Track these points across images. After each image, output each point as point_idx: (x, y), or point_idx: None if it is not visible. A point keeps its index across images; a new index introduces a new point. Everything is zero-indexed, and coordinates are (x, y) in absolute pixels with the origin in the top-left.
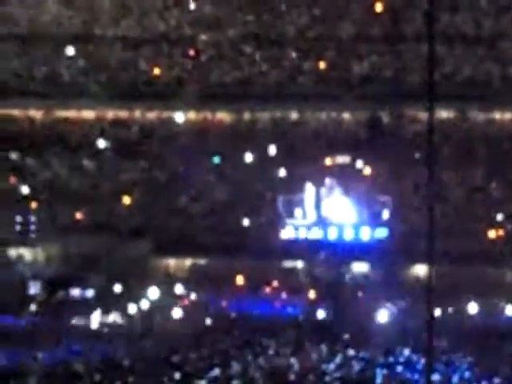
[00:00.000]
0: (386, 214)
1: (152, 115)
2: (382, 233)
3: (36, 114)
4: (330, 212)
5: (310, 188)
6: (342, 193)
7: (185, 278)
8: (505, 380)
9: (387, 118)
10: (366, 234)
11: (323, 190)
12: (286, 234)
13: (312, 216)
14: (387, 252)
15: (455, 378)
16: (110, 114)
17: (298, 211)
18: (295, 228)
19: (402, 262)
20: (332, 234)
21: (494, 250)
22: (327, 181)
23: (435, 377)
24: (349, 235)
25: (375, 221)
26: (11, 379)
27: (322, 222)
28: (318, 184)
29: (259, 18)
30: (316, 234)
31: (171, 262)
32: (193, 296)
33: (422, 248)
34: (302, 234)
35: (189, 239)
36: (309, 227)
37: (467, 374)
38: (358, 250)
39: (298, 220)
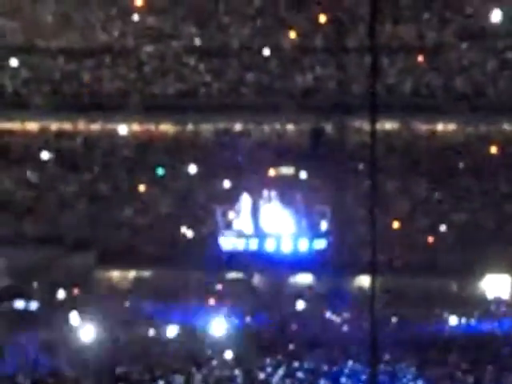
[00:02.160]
0: (324, 225)
1: (96, 127)
2: (320, 244)
3: None
4: (268, 223)
5: (246, 199)
6: (282, 204)
7: (129, 289)
8: None
9: (330, 129)
10: (304, 245)
11: (261, 201)
12: (226, 245)
13: (249, 227)
14: (329, 263)
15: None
16: (54, 125)
17: (236, 222)
18: (236, 240)
19: (345, 272)
20: (270, 246)
21: (438, 260)
22: (265, 192)
23: None
24: (287, 246)
25: (315, 232)
26: None
27: (260, 234)
28: (258, 195)
29: (202, 30)
30: (254, 245)
31: (115, 274)
32: (136, 307)
33: (366, 259)
34: (241, 246)
35: (133, 251)
36: (247, 238)
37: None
38: (299, 261)
39: (236, 231)
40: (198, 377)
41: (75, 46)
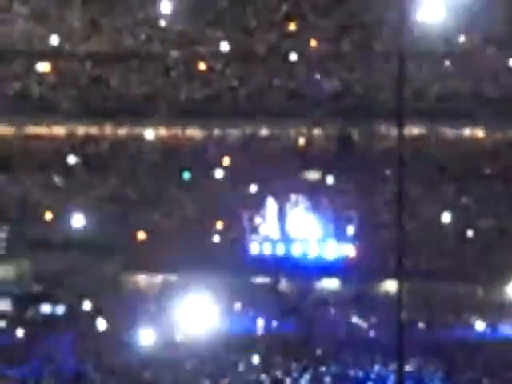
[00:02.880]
0: (351, 230)
1: (122, 131)
2: (347, 249)
3: (7, 130)
4: (295, 228)
5: (272, 203)
6: (309, 209)
7: (156, 294)
8: None
9: (357, 135)
10: (330, 250)
11: (288, 206)
12: (253, 250)
13: (276, 232)
14: (356, 268)
15: None
16: (81, 130)
17: (262, 227)
18: (263, 244)
19: (372, 277)
20: (296, 250)
21: (464, 265)
22: (292, 196)
23: None
24: (314, 251)
25: (341, 237)
26: None
27: (286, 238)
28: (285, 199)
29: (229, 34)
30: (281, 249)
31: (142, 279)
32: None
33: (392, 264)
34: (268, 250)
35: (159, 255)
36: (274, 243)
37: None
38: (325, 266)
39: (262, 236)
40: (224, 381)
41: (102, 50)
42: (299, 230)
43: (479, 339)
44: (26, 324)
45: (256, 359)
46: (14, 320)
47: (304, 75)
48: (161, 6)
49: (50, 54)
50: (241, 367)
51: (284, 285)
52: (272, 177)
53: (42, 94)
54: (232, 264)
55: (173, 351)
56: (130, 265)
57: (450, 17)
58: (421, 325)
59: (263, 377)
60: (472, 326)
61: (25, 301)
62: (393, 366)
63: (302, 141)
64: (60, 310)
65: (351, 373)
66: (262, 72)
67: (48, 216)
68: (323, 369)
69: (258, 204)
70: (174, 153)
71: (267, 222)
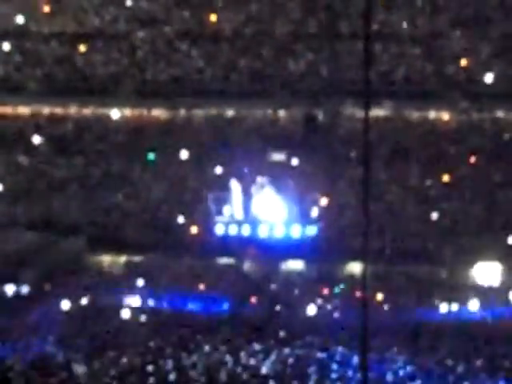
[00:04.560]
0: (315, 212)
1: (88, 111)
2: (312, 230)
3: None
4: (260, 209)
5: (237, 185)
6: (274, 190)
7: (120, 275)
8: (439, 378)
9: (323, 116)
10: (295, 232)
11: (253, 188)
12: (218, 231)
13: (241, 213)
14: (320, 249)
15: (389, 376)
16: (46, 110)
17: (226, 208)
18: (226, 225)
19: (336, 259)
20: (263, 232)
21: (429, 247)
22: (257, 178)
23: (370, 374)
24: (279, 233)
25: (306, 218)
26: None
27: (252, 220)
28: (250, 181)
29: (195, 15)
30: (247, 231)
31: (106, 259)
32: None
33: (357, 246)
34: (233, 232)
35: (124, 236)
36: (239, 224)
37: (401, 372)
38: (290, 248)
39: (227, 217)
40: (187, 362)
41: (67, 30)
42: (264, 211)
43: (443, 321)
44: None
45: (220, 340)
46: None
47: (269, 56)
48: None
49: (15, 34)
50: (205, 348)
51: (248, 266)
52: (237, 158)
53: (7, 74)
54: (196, 245)
55: (137, 332)
56: (93, 245)
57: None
58: (385, 307)
59: (227, 358)
60: (436, 308)
61: None
62: (356, 348)
63: (267, 122)
64: (24, 289)
65: (315, 354)
66: (228, 53)
67: (12, 195)
68: (287, 350)
69: (223, 185)
70: (140, 133)
71: (232, 203)
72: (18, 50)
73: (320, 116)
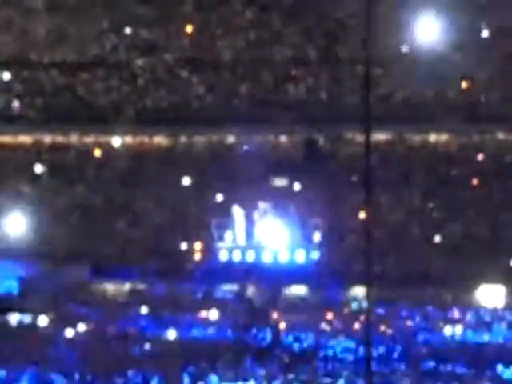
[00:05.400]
0: (318, 237)
1: (89, 139)
2: (314, 256)
3: None
4: (263, 235)
5: (239, 211)
6: (276, 216)
7: (124, 302)
8: None
9: (324, 141)
10: (297, 257)
11: (256, 214)
12: (221, 257)
13: (242, 240)
14: (323, 274)
15: None
16: (47, 138)
17: (229, 235)
18: (229, 252)
19: (339, 283)
20: (266, 258)
21: (432, 270)
22: (259, 204)
23: None
24: (283, 258)
25: (309, 244)
26: None
27: (255, 246)
28: (252, 207)
29: (195, 42)
30: (250, 257)
31: (110, 287)
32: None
33: (360, 270)
34: (236, 258)
35: (127, 264)
36: (242, 250)
37: None
38: (292, 273)
39: (230, 244)
40: None
41: (68, 59)
42: (267, 237)
43: (447, 344)
44: None
45: (225, 367)
46: None
47: (270, 82)
48: (126, 13)
49: (15, 63)
50: (210, 375)
51: (251, 291)
52: (239, 184)
53: (7, 103)
54: (200, 272)
55: (140, 361)
56: (97, 273)
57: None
58: (389, 330)
59: None
60: (440, 331)
61: None
62: (361, 373)
63: (268, 148)
64: (27, 319)
65: (320, 380)
66: (228, 80)
67: (15, 224)
68: (291, 376)
69: (225, 212)
70: (141, 160)
71: (235, 229)
72: (18, 78)
73: (321, 141)
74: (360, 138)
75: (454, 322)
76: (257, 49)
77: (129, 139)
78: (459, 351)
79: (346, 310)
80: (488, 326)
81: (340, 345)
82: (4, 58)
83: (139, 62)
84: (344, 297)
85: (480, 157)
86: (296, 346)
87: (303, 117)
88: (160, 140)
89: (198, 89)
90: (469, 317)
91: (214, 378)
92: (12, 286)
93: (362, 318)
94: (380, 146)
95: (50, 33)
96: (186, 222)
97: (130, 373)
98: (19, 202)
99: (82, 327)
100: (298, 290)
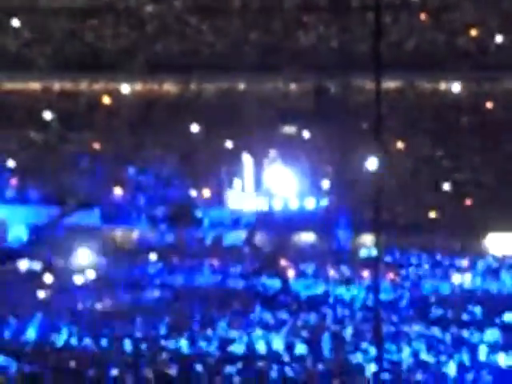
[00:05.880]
0: (327, 185)
1: (98, 87)
2: (323, 203)
3: None
4: (272, 183)
5: (247, 159)
6: (285, 163)
7: (133, 249)
8: (452, 349)
9: (334, 89)
10: (306, 205)
11: (266, 161)
12: (230, 204)
13: (251, 187)
14: (331, 222)
15: (403, 348)
16: (57, 85)
17: (238, 182)
18: (238, 199)
19: (347, 231)
20: (275, 205)
21: (441, 218)
22: (268, 152)
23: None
24: (290, 206)
25: (318, 191)
26: None
27: (264, 193)
28: (262, 155)
29: None
30: (259, 204)
31: (118, 233)
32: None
33: (368, 218)
34: (246, 205)
35: (136, 210)
36: (252, 198)
37: (415, 344)
38: (301, 220)
39: (240, 191)
40: (200, 336)
41: (77, 5)
42: (276, 184)
43: (456, 291)
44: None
45: (233, 313)
46: None
47: (280, 30)
48: None
49: (24, 10)
50: (219, 322)
51: (259, 239)
52: (248, 132)
53: (17, 50)
54: (209, 219)
55: (147, 307)
56: (106, 219)
57: None
58: (397, 278)
59: (240, 332)
60: (449, 279)
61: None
62: (370, 320)
63: (278, 96)
64: (37, 265)
65: (329, 326)
66: (238, 27)
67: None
68: (300, 323)
69: (234, 159)
70: (150, 107)
71: (244, 176)
72: (28, 25)
73: (331, 88)
74: (370, 85)
75: (462, 269)
76: None
77: (138, 86)
78: (468, 299)
79: (354, 258)
80: (496, 274)
81: (348, 292)
82: (13, 5)
83: (148, 8)
84: (353, 244)
85: (489, 105)
86: (305, 293)
87: (313, 64)
88: (169, 87)
89: (207, 36)
90: (477, 264)
91: (222, 325)
92: (22, 232)
93: (371, 265)
94: (390, 93)
95: None
96: (195, 169)
97: (138, 319)
98: (29, 148)
99: (91, 274)
100: (307, 237)
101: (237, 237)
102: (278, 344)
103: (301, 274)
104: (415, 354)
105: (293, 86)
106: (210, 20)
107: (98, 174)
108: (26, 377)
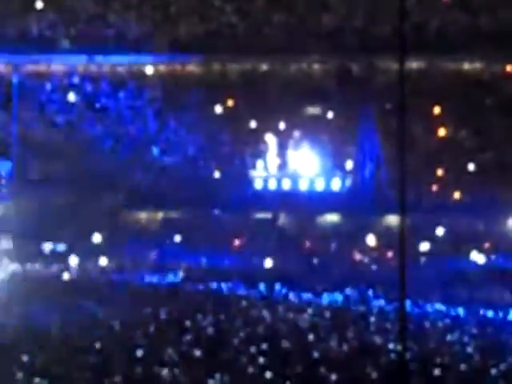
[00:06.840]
0: (350, 165)
1: (122, 68)
2: (347, 184)
3: (6, 68)
4: (295, 163)
5: (271, 139)
6: (309, 144)
7: (156, 231)
8: (476, 328)
9: (357, 69)
10: (331, 185)
11: (289, 142)
12: (254, 185)
13: (275, 168)
14: (356, 203)
15: (428, 327)
16: (80, 67)
17: (262, 163)
18: (264, 180)
19: (372, 212)
20: (296, 186)
21: (465, 198)
22: (292, 132)
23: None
24: (314, 186)
25: (342, 172)
26: None
27: (287, 174)
28: (286, 135)
29: None
30: (281, 185)
31: (143, 216)
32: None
33: (393, 198)
34: (270, 186)
35: (160, 192)
36: (276, 179)
37: (440, 323)
38: (325, 201)
39: (263, 172)
40: (226, 316)
41: None
42: (300, 165)
43: (480, 271)
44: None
45: (257, 294)
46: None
47: (304, 11)
48: None
49: None
50: (243, 303)
51: (284, 220)
52: (272, 112)
53: (41, 32)
54: (233, 200)
55: (172, 288)
56: (130, 202)
57: None
58: (422, 258)
59: (264, 312)
60: (473, 259)
61: (26, 238)
62: (395, 300)
63: (302, 76)
64: (61, 247)
65: (353, 307)
66: (262, 8)
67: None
68: (325, 304)
69: (258, 140)
70: (174, 89)
71: (268, 157)
72: (51, 7)
73: (354, 69)
74: (394, 66)
75: (485, 250)
76: None
77: (162, 67)
78: (491, 278)
79: (379, 239)
80: None
81: (373, 273)
82: None
83: None
84: (378, 225)
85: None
86: (328, 273)
87: (337, 45)
88: (193, 68)
89: (231, 17)
90: (501, 245)
91: (245, 303)
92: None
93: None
94: (413, 74)
95: None
96: (219, 150)
97: (163, 300)
98: (53, 130)
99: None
100: (332, 218)
101: (261, 218)
102: (303, 324)
103: (325, 255)
104: (439, 334)
105: (316, 67)
106: (233, 1)
107: (122, 155)
108: None
